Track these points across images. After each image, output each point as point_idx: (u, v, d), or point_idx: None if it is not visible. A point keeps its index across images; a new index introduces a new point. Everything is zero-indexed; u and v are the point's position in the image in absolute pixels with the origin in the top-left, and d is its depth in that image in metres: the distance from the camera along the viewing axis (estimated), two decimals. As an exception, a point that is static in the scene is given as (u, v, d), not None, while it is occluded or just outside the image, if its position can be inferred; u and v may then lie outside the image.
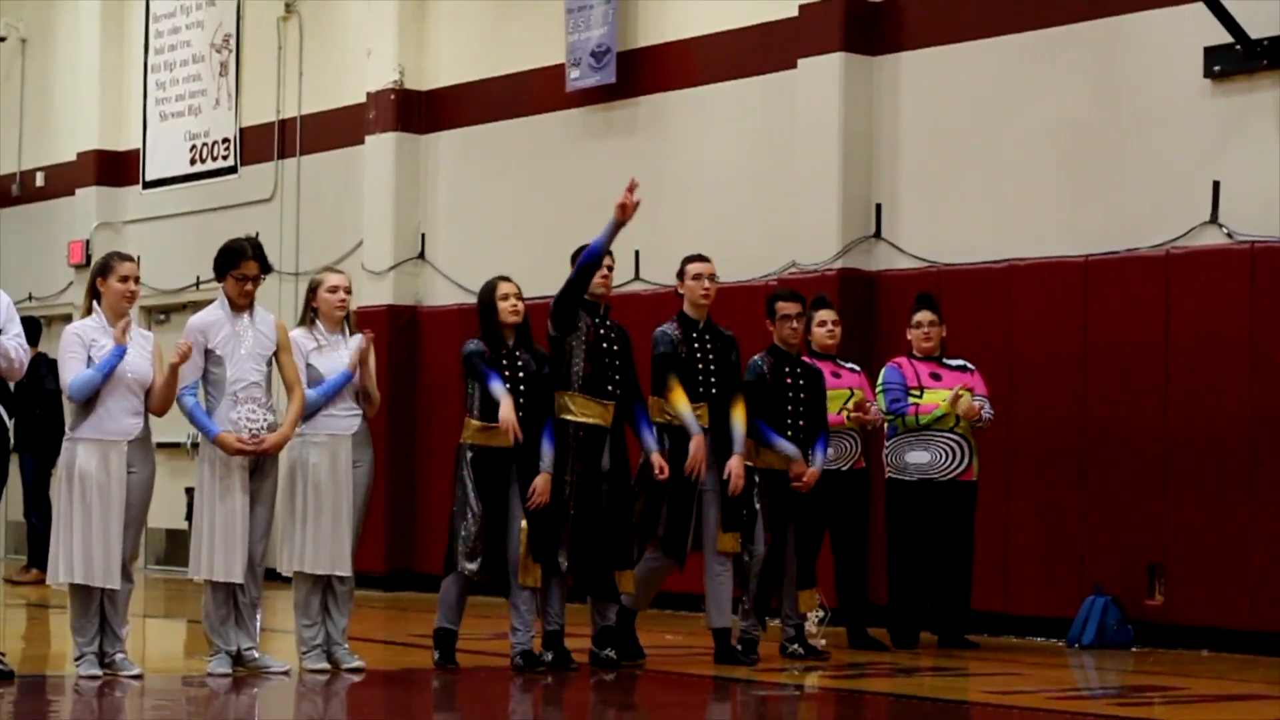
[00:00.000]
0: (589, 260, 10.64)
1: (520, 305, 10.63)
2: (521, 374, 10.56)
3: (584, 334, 10.69)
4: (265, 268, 10.38)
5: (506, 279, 10.71)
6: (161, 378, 10.04)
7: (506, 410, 10.34)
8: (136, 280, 10.11)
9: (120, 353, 9.89)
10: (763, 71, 14.92)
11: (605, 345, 10.74)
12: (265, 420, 10.19)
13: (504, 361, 10.53)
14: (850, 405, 12.00)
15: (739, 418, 11.04)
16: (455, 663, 10.62)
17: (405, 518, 17.21)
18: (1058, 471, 13.05)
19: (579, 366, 10.66)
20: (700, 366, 10.97)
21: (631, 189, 10.51)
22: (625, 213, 10.57)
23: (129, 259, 10.19)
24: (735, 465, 10.94)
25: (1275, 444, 12.08)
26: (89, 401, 9.94)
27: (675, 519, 10.87)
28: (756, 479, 11.18)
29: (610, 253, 10.81)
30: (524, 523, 10.47)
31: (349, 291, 10.71)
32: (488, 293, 10.68)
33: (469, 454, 10.58)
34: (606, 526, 10.68)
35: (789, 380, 11.41)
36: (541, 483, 10.48)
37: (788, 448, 11.34)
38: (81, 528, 9.89)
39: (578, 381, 10.66)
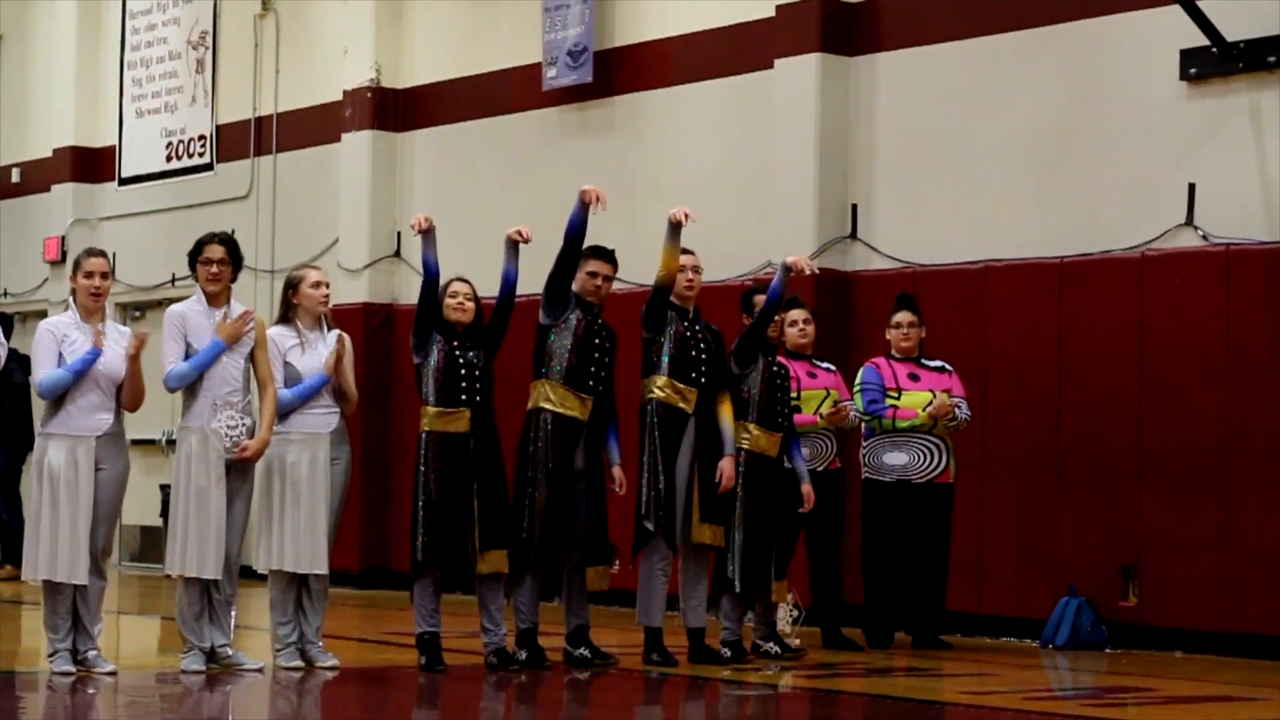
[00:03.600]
0: (570, 234, 10.60)
1: (469, 305, 10.56)
2: (475, 361, 10.52)
3: (574, 326, 10.69)
4: (235, 256, 10.33)
5: (461, 279, 10.68)
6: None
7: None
8: (104, 276, 10.04)
9: (95, 354, 9.86)
10: (739, 72, 14.92)
11: (596, 341, 10.74)
12: (244, 425, 10.18)
13: (457, 354, 10.49)
14: (823, 410, 12.02)
15: (727, 416, 11.07)
16: (444, 664, 10.46)
17: (380, 516, 17.17)
18: (1032, 473, 13.06)
19: (564, 357, 10.65)
20: (693, 354, 10.97)
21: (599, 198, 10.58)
22: (588, 195, 10.58)
23: (96, 255, 10.15)
24: (727, 467, 10.98)
25: (1249, 446, 12.11)
26: (59, 398, 9.92)
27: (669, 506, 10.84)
28: (741, 463, 11.19)
29: (611, 260, 10.84)
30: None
31: (328, 287, 10.73)
32: (441, 291, 10.64)
33: (425, 440, 10.48)
34: (578, 524, 10.67)
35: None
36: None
37: (802, 469, 11.55)
38: (50, 524, 9.87)
39: (560, 372, 10.65)
